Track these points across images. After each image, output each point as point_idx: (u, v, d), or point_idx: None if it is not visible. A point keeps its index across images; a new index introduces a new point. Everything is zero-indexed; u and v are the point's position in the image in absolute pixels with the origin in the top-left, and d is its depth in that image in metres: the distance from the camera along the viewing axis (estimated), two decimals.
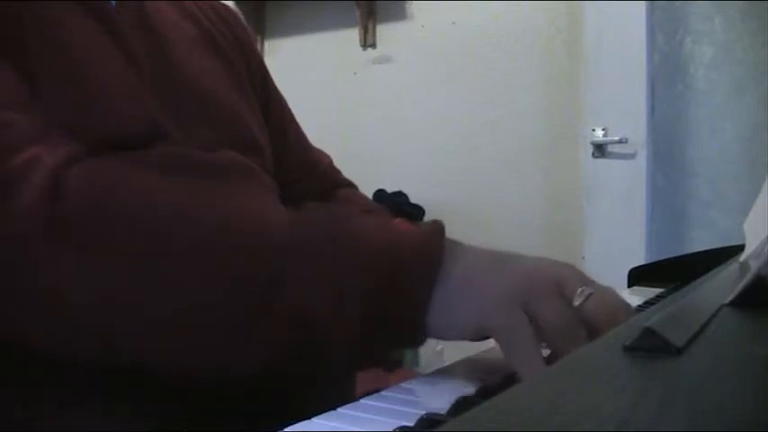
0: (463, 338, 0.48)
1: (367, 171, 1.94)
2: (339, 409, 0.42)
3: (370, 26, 2.40)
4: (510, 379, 0.47)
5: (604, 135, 2.02)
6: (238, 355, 0.47)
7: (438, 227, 0.50)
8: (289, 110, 0.90)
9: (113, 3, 0.66)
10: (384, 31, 2.40)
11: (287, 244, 0.47)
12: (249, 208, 0.51)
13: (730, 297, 0.43)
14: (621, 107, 2.00)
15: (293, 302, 0.46)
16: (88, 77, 0.60)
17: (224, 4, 0.87)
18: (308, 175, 0.88)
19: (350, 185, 0.93)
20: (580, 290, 0.47)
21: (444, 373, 0.51)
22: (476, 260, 0.49)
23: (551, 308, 0.46)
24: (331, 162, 0.93)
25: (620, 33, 1.99)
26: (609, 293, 0.49)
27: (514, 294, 0.46)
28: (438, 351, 1.86)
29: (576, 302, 0.47)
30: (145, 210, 0.48)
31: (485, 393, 0.45)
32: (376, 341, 0.47)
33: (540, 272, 0.48)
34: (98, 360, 0.49)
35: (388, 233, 0.49)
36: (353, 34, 2.42)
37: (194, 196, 0.50)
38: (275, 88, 0.89)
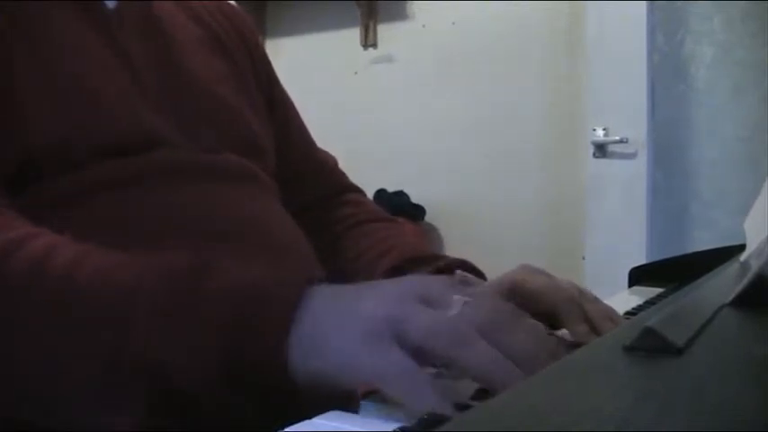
0: (340, 381, 0.42)
1: (368, 171, 1.94)
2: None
3: (371, 26, 2.40)
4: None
5: (605, 135, 2.01)
6: (105, 414, 0.45)
7: (299, 275, 0.46)
8: (294, 108, 0.90)
9: (111, 4, 0.66)
10: (385, 31, 2.40)
11: (134, 300, 0.44)
12: (99, 265, 0.47)
13: (731, 297, 0.43)
14: (622, 107, 2.00)
15: (147, 358, 0.43)
16: (76, 81, 0.60)
17: (230, 4, 0.86)
18: (313, 175, 0.88)
19: (357, 190, 0.92)
20: (456, 297, 0.43)
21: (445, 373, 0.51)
22: (328, 304, 0.44)
23: (421, 319, 0.41)
24: (336, 163, 0.93)
25: (620, 33, 1.99)
26: (489, 297, 0.46)
27: (376, 328, 0.41)
28: None
29: (453, 311, 0.42)
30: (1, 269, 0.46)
31: (485, 393, 0.45)
32: (238, 393, 0.44)
33: (400, 292, 0.44)
34: None
35: (239, 284, 0.45)
36: (354, 34, 2.42)
37: (50, 252, 0.47)
38: (280, 86, 0.89)
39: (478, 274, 0.74)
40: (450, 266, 0.74)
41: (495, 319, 0.43)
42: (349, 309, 0.43)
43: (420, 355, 0.41)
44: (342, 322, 0.42)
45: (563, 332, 0.61)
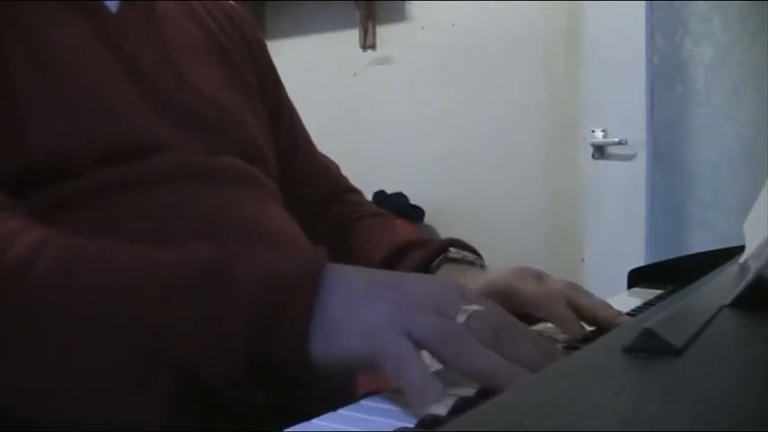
0: (352, 365, 0.46)
1: (367, 172, 1.94)
2: (339, 410, 0.42)
3: (370, 27, 2.40)
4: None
5: (604, 136, 2.02)
6: (129, 414, 0.45)
7: (317, 257, 0.48)
8: (297, 115, 0.91)
9: (113, 6, 0.66)
10: (384, 33, 2.40)
11: (167, 295, 0.45)
12: (132, 261, 0.48)
13: (730, 298, 0.43)
14: (621, 108, 2.00)
15: (177, 352, 0.44)
16: (73, 83, 0.60)
17: (233, 5, 0.86)
18: (317, 181, 0.89)
19: (356, 192, 0.94)
20: (464, 308, 0.45)
21: (444, 373, 0.51)
22: (352, 287, 0.46)
23: (424, 323, 0.43)
24: (338, 169, 0.95)
25: (619, 34, 1.99)
26: (495, 309, 0.47)
27: (392, 321, 0.44)
28: None
29: (460, 319, 0.44)
30: (25, 269, 0.46)
31: (484, 394, 0.45)
32: (261, 380, 0.45)
33: (416, 293, 0.46)
34: None
35: (266, 270, 0.47)
36: (353, 35, 2.42)
37: (76, 251, 0.48)
38: (285, 93, 0.89)
39: (472, 251, 0.76)
40: (444, 246, 0.75)
41: (501, 331, 0.45)
42: (368, 300, 0.45)
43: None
44: (355, 317, 0.45)
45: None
